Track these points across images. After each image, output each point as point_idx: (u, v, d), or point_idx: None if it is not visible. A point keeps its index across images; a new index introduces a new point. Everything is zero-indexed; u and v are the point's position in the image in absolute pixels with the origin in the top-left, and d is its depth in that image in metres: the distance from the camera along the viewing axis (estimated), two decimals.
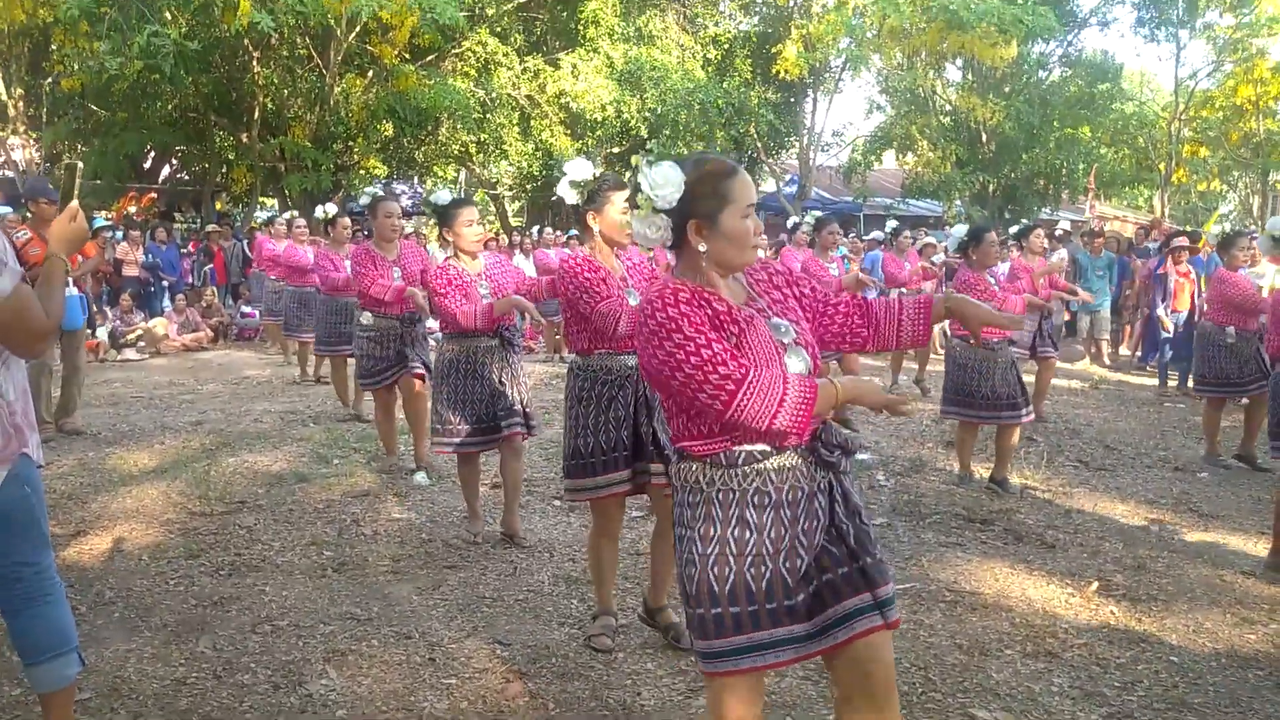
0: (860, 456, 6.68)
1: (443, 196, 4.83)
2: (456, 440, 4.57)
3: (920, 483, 6.11)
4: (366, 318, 5.89)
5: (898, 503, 5.62)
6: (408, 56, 16.78)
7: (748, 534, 2.08)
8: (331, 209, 8.34)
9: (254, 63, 16.10)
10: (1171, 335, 9.93)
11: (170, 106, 17.09)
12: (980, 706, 3.19)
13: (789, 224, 11.71)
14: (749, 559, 2.07)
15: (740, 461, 2.09)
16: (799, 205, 21.80)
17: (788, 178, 24.48)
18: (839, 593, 2.11)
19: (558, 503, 5.38)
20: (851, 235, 15.34)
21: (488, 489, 5.51)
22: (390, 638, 3.64)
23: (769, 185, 24.09)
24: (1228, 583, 4.43)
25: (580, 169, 3.56)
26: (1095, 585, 4.30)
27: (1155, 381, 10.15)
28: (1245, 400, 6.91)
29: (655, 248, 3.45)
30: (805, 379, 2.06)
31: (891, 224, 11.31)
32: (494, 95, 17.70)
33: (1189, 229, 16.92)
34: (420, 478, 5.77)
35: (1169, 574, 4.51)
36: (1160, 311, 10.05)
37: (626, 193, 3.35)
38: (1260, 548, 4.84)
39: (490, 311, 4.40)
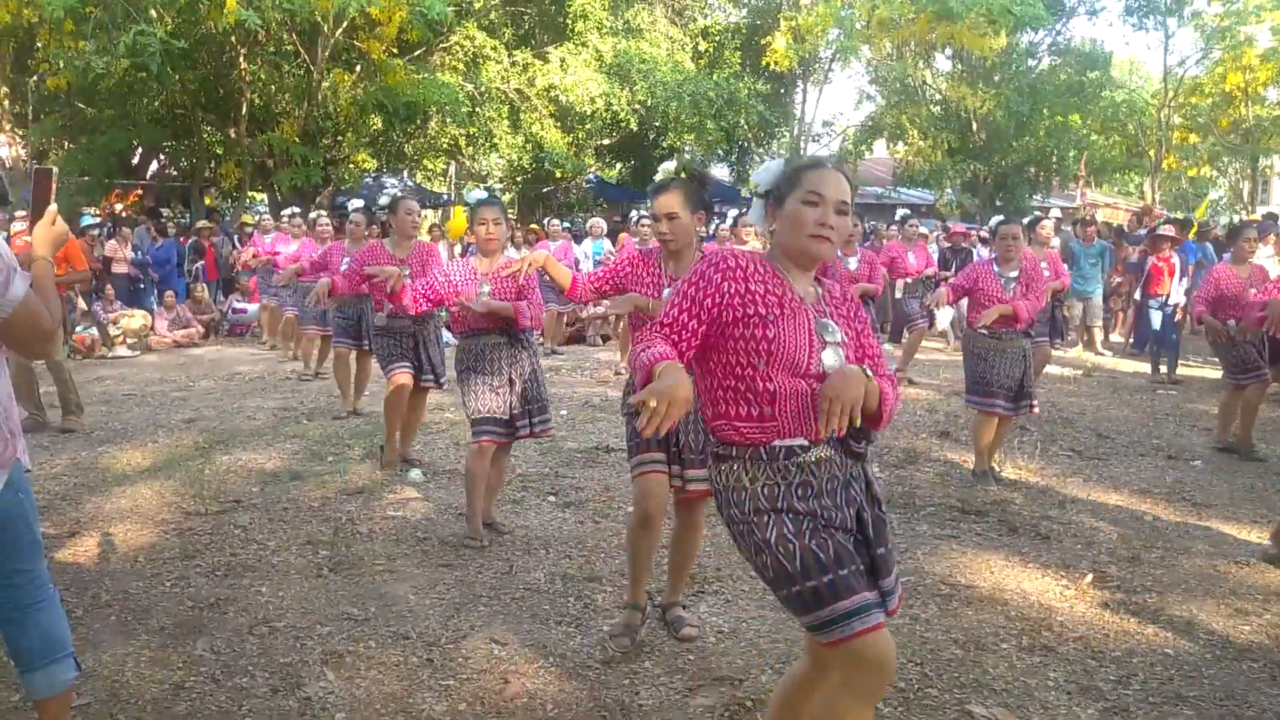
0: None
1: (476, 194, 5.02)
2: (476, 430, 4.58)
3: (915, 474, 6.12)
4: (379, 318, 5.97)
5: (893, 495, 5.62)
6: (395, 51, 16.71)
7: (800, 517, 2.18)
8: (358, 203, 8.22)
9: (241, 59, 16.02)
10: (1160, 324, 9.96)
11: (157, 103, 17.00)
12: (977, 702, 3.20)
13: None
14: (808, 534, 2.17)
15: (781, 456, 2.21)
16: None
17: None
18: (860, 583, 2.21)
19: (553, 499, 5.38)
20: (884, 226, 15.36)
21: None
22: (388, 638, 3.63)
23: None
24: (1222, 573, 4.45)
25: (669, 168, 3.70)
26: (1090, 577, 4.32)
27: (1147, 368, 10.17)
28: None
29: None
30: (664, 350, 2.15)
31: (902, 212, 11.32)
32: (483, 89, 17.65)
33: (1181, 216, 16.97)
34: (415, 475, 5.77)
35: (1163, 565, 4.53)
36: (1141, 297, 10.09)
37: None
38: (1255, 536, 4.86)
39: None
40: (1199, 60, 23.67)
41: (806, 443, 2.21)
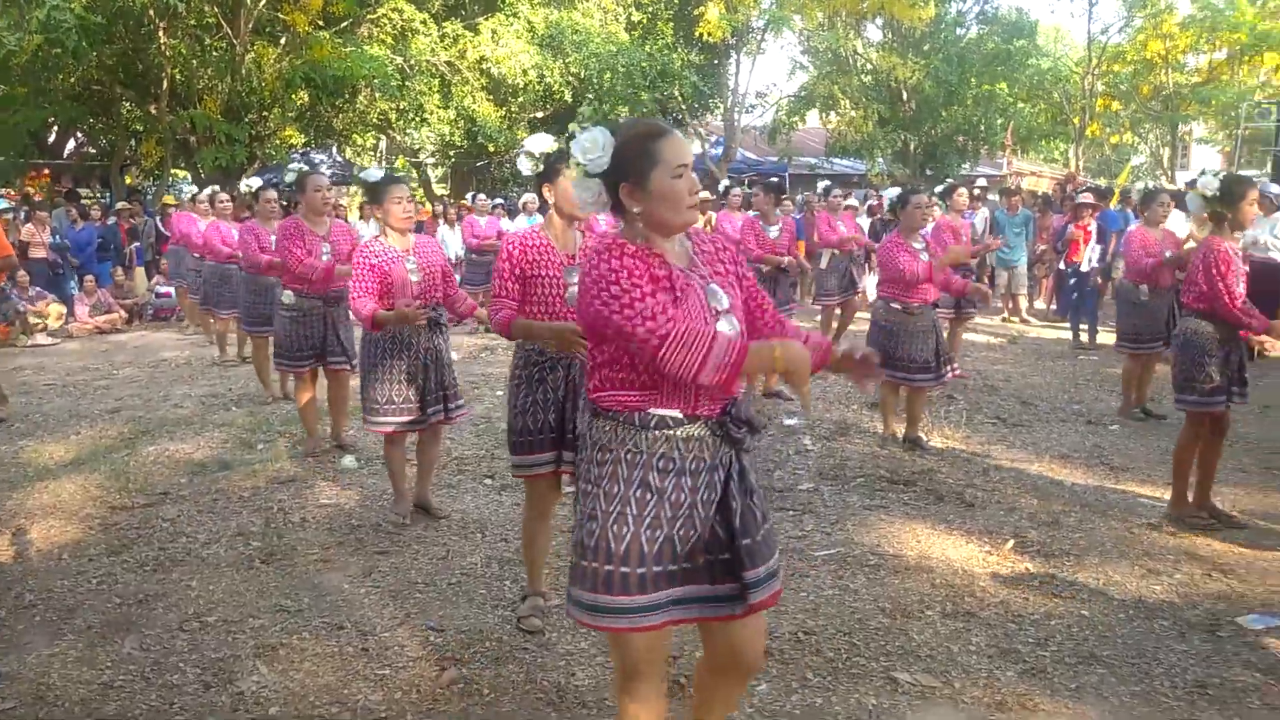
0: (788, 421, 6.81)
1: (373, 173, 4.84)
2: (384, 419, 4.54)
3: (846, 446, 6.24)
4: (288, 296, 5.78)
5: (824, 467, 5.74)
6: (321, 24, 16.34)
7: (649, 496, 2.16)
8: (256, 182, 8.08)
9: (160, 33, 15.51)
10: (1075, 289, 10.22)
11: (73, 79, 16.39)
12: (902, 669, 3.30)
13: (720, 188, 11.76)
14: (647, 520, 2.15)
15: (652, 425, 2.16)
16: (724, 167, 21.88)
17: (713, 139, 24.48)
18: (713, 575, 2.23)
19: (489, 481, 5.39)
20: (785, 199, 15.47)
21: (412, 469, 5.48)
22: (322, 629, 3.62)
23: (695, 147, 24.04)
24: (1136, 535, 4.63)
25: (540, 142, 3.59)
26: (1011, 543, 4.47)
27: (1069, 335, 10.45)
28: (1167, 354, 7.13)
29: (586, 218, 3.50)
30: (734, 339, 2.11)
31: (824, 184, 11.41)
32: (412, 62, 17.36)
33: (1104, 183, 17.39)
34: (348, 461, 5.73)
35: (1081, 528, 4.70)
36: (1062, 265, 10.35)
37: None
38: (1167, 498, 5.05)
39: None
40: (1121, 28, 24.24)
41: (680, 415, 2.17)
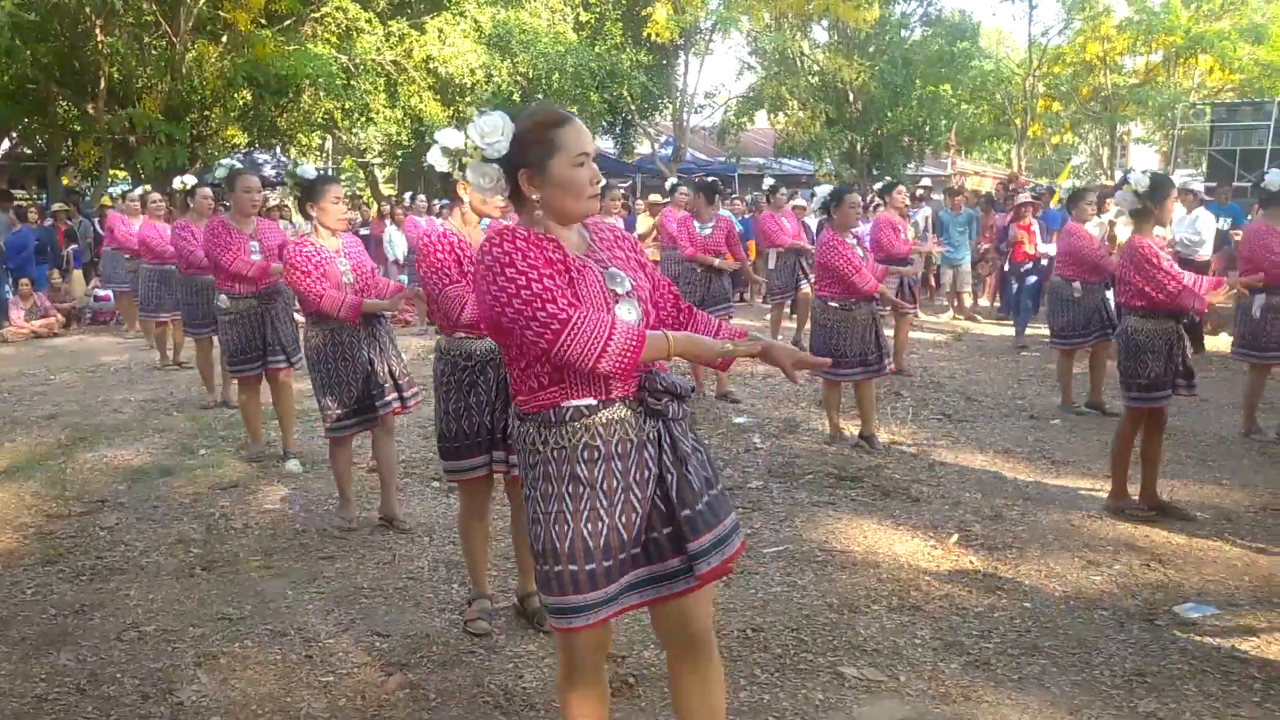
0: (737, 420, 6.85)
1: (308, 171, 4.72)
2: (332, 424, 4.49)
3: (794, 443, 6.29)
4: (223, 300, 5.69)
5: (773, 464, 5.77)
6: (264, 22, 16.08)
7: (581, 489, 2.14)
8: (190, 180, 7.94)
9: (97, 30, 15.15)
10: (1016, 287, 10.41)
11: (7, 78, 15.95)
12: (849, 663, 3.33)
13: (667, 185, 11.77)
14: (584, 515, 2.14)
15: (568, 418, 2.14)
16: (674, 167, 21.94)
17: (663, 139, 24.55)
18: (662, 552, 2.21)
19: (437, 484, 5.34)
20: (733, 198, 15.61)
21: (364, 473, 5.43)
22: (264, 637, 3.56)
23: (644, 148, 24.12)
24: (1076, 526, 4.72)
25: (452, 137, 3.53)
26: (955, 536, 4.53)
27: (1012, 332, 10.62)
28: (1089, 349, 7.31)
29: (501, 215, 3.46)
30: (631, 327, 2.09)
31: (768, 182, 11.49)
32: (358, 61, 17.16)
33: (1045, 182, 17.74)
34: (292, 465, 5.64)
35: (1024, 521, 4.78)
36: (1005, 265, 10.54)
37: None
38: (1106, 490, 5.16)
39: (357, 309, 4.36)
40: (1061, 30, 24.75)
41: (595, 402, 2.14)
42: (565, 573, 2.14)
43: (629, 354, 2.05)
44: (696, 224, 7.66)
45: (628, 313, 2.17)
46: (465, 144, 3.46)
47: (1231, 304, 6.94)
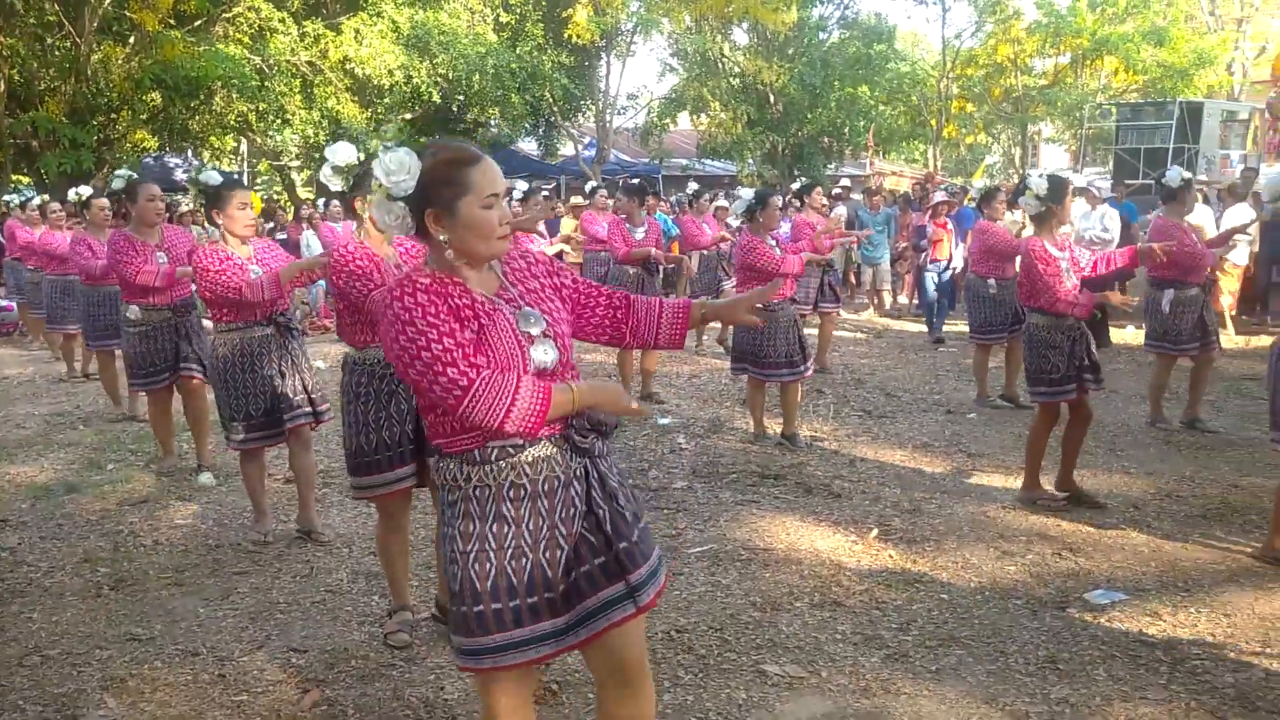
0: (662, 421, 6.86)
1: (212, 177, 4.55)
2: (240, 437, 4.37)
3: (719, 443, 6.32)
4: (134, 312, 5.50)
5: (698, 465, 5.80)
6: (172, 23, 15.61)
7: (506, 528, 2.08)
8: (85, 191, 7.68)
9: None
10: (935, 285, 10.63)
11: None
12: (771, 661, 3.35)
13: (587, 188, 11.77)
14: (509, 553, 2.08)
15: (494, 457, 2.08)
16: (598, 169, 21.93)
17: (586, 141, 24.53)
18: (595, 583, 2.12)
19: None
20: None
21: (281, 484, 5.30)
22: (175, 657, 3.45)
23: (568, 149, 24.07)
24: (991, 518, 4.83)
25: (343, 153, 3.47)
26: (875, 531, 4.60)
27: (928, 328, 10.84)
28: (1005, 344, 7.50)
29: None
30: (538, 385, 2.03)
31: (692, 186, 11.54)
32: (271, 62, 16.78)
33: (960, 181, 18.17)
34: (205, 479, 5.47)
35: (941, 514, 4.87)
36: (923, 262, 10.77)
37: None
38: (1019, 482, 5.29)
39: (278, 280, 4.22)
40: (973, 33, 25.37)
41: (521, 441, 2.08)
42: (487, 612, 2.06)
43: (535, 416, 2.00)
44: (629, 226, 7.66)
45: (543, 354, 2.10)
46: (356, 161, 3.41)
47: (1141, 300, 7.17)
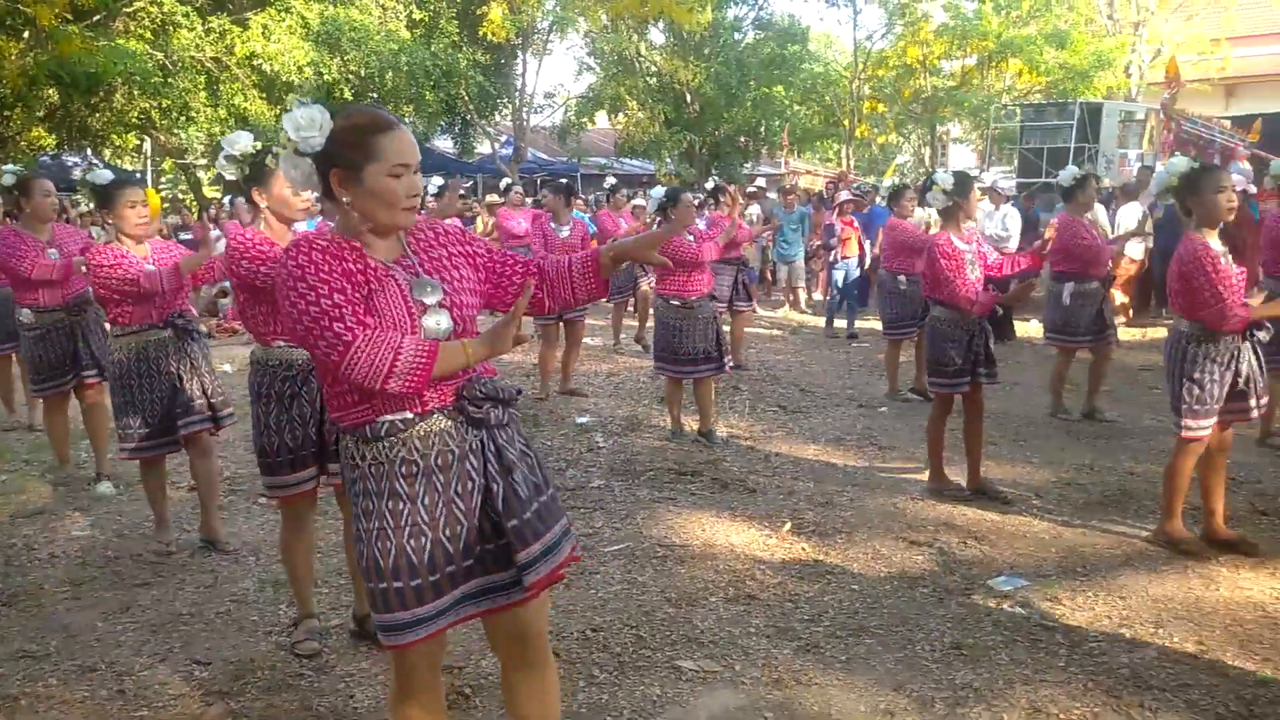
0: (580, 420, 6.85)
1: (101, 175, 4.39)
2: (134, 445, 4.23)
3: (636, 441, 6.34)
4: (26, 315, 5.29)
5: (615, 463, 5.80)
6: (69, 17, 15.02)
7: (402, 506, 2.09)
8: None
9: None
10: (843, 282, 10.83)
11: None
12: (686, 657, 3.37)
13: (501, 185, 11.69)
14: (406, 531, 2.09)
15: (384, 433, 2.09)
16: (515, 167, 21.80)
17: (503, 139, 24.35)
18: (486, 567, 2.17)
19: (263, 501, 5.10)
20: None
21: (185, 493, 5.15)
22: (72, 673, 3.32)
23: (484, 148, 23.87)
24: (901, 509, 4.94)
25: (239, 142, 3.40)
26: (789, 525, 4.67)
27: (844, 324, 11.03)
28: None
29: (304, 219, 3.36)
30: (422, 341, 2.03)
31: (609, 181, 11.54)
32: (175, 58, 16.28)
33: (873, 180, 18.54)
34: (104, 488, 5.28)
35: (852, 507, 4.97)
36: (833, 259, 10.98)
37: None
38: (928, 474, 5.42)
39: (178, 270, 4.13)
40: (884, 35, 25.85)
41: (411, 415, 2.09)
42: (390, 590, 2.08)
43: (418, 372, 2.00)
44: (554, 225, 7.62)
45: (435, 323, 2.09)
46: (254, 149, 3.35)
47: (1042, 292, 7.41)
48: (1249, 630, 3.53)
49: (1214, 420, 4.11)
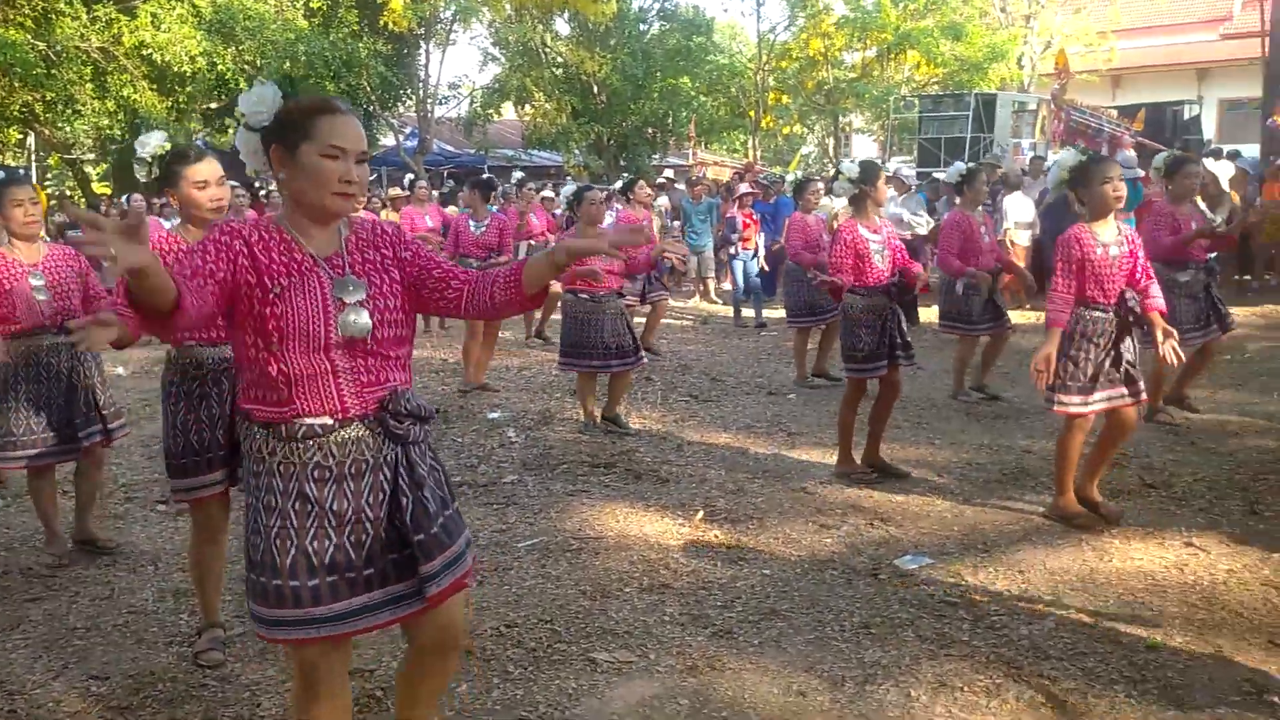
0: (491, 415, 6.79)
1: None
2: (25, 454, 4.04)
3: (549, 434, 6.31)
4: None
5: (528, 457, 5.77)
6: None
7: (309, 508, 2.09)
8: None
9: None
10: (743, 275, 11.00)
11: None
12: (601, 648, 3.37)
13: (406, 180, 11.51)
14: (310, 533, 2.08)
15: (300, 435, 2.09)
16: (420, 159, 21.46)
17: (407, 131, 23.94)
18: (387, 577, 2.18)
19: (162, 508, 4.93)
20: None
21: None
22: None
23: (388, 140, 23.43)
24: (810, 494, 5.03)
25: (151, 142, 3.30)
26: (701, 513, 4.71)
27: (751, 314, 11.17)
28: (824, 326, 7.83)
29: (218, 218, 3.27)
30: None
31: (517, 175, 11.45)
32: (58, 48, 15.58)
33: (779, 171, 18.78)
34: None
35: (763, 493, 5.04)
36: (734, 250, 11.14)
37: (204, 165, 3.20)
38: (835, 458, 5.52)
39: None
40: (786, 27, 26.18)
41: (330, 421, 2.09)
42: (285, 588, 2.07)
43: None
44: (473, 223, 7.51)
45: (353, 320, 2.09)
46: (165, 149, 3.28)
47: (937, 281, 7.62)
48: (1139, 599, 3.70)
49: (1087, 397, 4.27)
